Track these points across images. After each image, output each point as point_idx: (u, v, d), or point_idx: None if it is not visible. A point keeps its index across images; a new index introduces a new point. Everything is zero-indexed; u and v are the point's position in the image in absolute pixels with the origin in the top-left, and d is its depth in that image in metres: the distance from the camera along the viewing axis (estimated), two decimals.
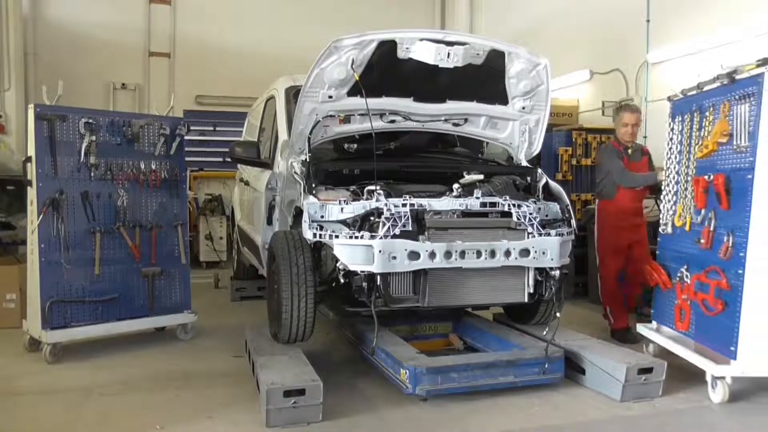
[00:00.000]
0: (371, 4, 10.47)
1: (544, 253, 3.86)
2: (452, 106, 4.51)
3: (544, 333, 4.09)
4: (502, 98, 4.50)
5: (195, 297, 5.14)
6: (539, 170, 4.54)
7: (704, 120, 4.00)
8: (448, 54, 4.00)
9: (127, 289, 4.71)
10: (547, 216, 4.12)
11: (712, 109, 3.94)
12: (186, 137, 5.11)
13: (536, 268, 3.94)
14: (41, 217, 4.33)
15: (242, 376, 3.98)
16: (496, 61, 4.19)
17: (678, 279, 4.15)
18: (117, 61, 9.62)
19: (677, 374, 3.91)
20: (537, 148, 4.74)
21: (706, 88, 4.04)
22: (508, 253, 3.78)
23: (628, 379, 3.62)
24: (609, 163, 5.08)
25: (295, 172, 4.10)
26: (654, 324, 4.47)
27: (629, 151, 5.16)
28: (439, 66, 4.03)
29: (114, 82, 9.63)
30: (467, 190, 4.07)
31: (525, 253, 3.82)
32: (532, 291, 3.98)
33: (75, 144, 4.52)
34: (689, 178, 4.13)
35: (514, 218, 3.92)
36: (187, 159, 5.24)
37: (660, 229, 4.47)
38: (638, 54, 7.00)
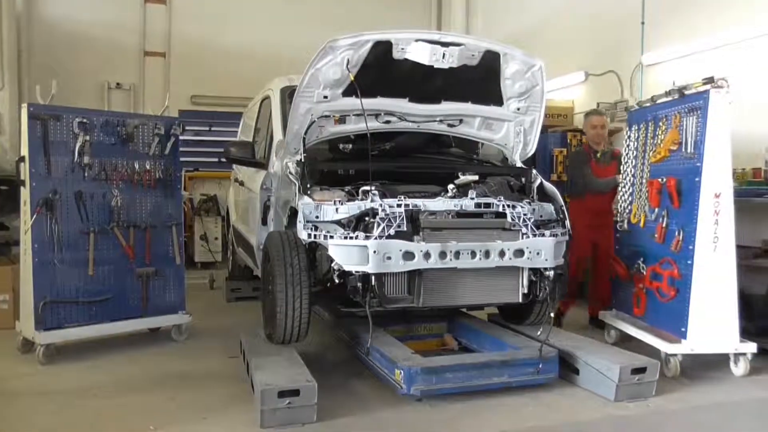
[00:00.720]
0: (367, 4, 10.45)
1: (538, 253, 3.87)
2: (447, 107, 4.52)
3: (539, 333, 4.10)
4: (497, 99, 4.51)
5: (190, 298, 5.14)
6: (534, 171, 4.56)
7: (658, 129, 4.49)
8: (444, 55, 4.01)
9: (122, 290, 4.69)
10: (541, 217, 4.14)
11: (665, 119, 4.45)
12: (181, 137, 5.09)
13: (530, 269, 3.95)
14: (35, 217, 4.31)
15: (237, 376, 3.97)
16: (491, 62, 4.20)
17: (635, 270, 4.57)
18: (112, 60, 9.54)
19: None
20: (532, 149, 4.76)
21: (659, 101, 4.56)
22: (502, 254, 3.79)
23: (622, 379, 3.64)
24: (577, 168, 5.47)
25: (290, 173, 4.10)
26: (614, 311, 4.91)
27: (598, 155, 5.49)
28: (435, 67, 4.03)
29: (109, 81, 9.54)
30: (462, 191, 4.08)
31: (519, 253, 3.83)
32: (526, 291, 3.98)
33: (69, 144, 4.50)
34: (644, 181, 4.60)
35: (509, 219, 3.93)
36: (182, 159, 5.23)
37: (617, 226, 4.88)
38: (633, 56, 7.02)
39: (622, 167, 4.92)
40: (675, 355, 4.11)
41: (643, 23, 6.89)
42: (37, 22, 9.25)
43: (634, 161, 4.80)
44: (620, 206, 4.88)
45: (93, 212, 4.59)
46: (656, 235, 4.36)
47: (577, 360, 3.94)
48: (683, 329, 4.08)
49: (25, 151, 4.37)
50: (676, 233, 4.21)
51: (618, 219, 4.88)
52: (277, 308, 3.75)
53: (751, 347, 4.06)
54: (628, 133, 4.91)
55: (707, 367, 4.23)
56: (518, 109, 4.54)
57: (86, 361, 4.37)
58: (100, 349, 4.63)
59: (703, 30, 6.20)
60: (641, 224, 4.58)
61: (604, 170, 5.36)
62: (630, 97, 7.03)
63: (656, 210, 4.42)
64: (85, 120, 4.56)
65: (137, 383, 3.96)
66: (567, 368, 3.94)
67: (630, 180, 4.83)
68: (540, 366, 3.75)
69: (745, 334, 4.53)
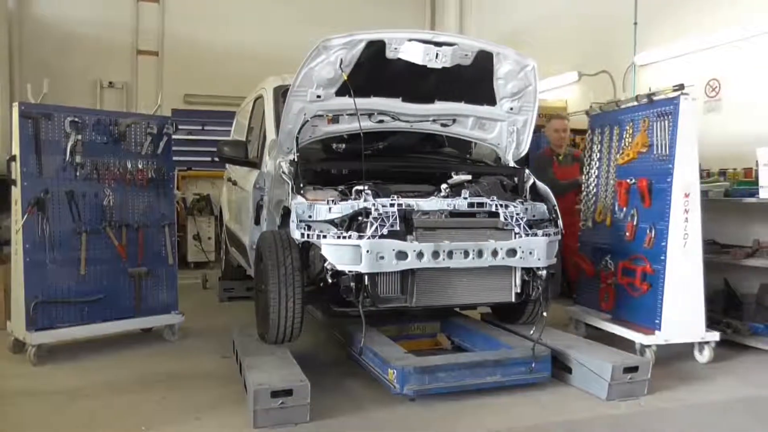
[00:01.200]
0: (361, 4, 10.45)
1: (531, 253, 3.88)
2: (441, 107, 4.52)
3: (531, 332, 4.11)
4: (490, 99, 4.52)
5: (182, 298, 5.13)
6: (527, 171, 4.57)
7: (624, 132, 4.76)
8: (437, 54, 4.01)
9: (114, 290, 4.67)
10: (534, 216, 4.15)
11: (631, 123, 4.72)
12: (174, 136, 5.08)
13: (523, 268, 3.96)
14: (26, 216, 4.29)
15: (230, 376, 3.96)
16: (484, 62, 4.21)
17: (602, 267, 4.79)
18: (104, 59, 9.51)
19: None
20: (525, 149, 4.78)
21: (623, 106, 4.89)
22: (495, 253, 3.80)
23: (614, 378, 3.67)
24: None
25: (283, 172, 4.10)
26: (578, 307, 5.08)
27: (560, 157, 5.79)
28: (428, 66, 4.03)
29: (101, 80, 9.51)
30: (455, 191, 4.09)
31: (512, 253, 3.84)
32: (519, 291, 4.00)
33: (60, 143, 4.48)
34: (610, 181, 4.86)
35: (502, 218, 3.94)
36: (175, 158, 5.21)
37: (581, 224, 5.13)
38: (626, 56, 7.07)
39: (584, 168, 5.11)
40: (650, 346, 4.27)
41: (635, 24, 6.94)
42: (28, 21, 9.20)
43: (598, 163, 5.02)
44: (584, 206, 5.08)
45: (85, 212, 4.57)
46: (627, 233, 4.56)
47: (569, 359, 3.95)
48: (657, 321, 4.28)
49: (16, 151, 4.34)
50: (648, 231, 4.42)
51: (583, 218, 5.09)
52: (270, 308, 3.74)
53: (715, 336, 4.33)
54: (590, 135, 5.11)
55: (677, 357, 4.41)
56: (511, 108, 4.55)
57: (78, 362, 4.35)
58: (92, 349, 4.61)
59: (695, 31, 6.26)
60: (608, 223, 4.78)
61: (566, 172, 5.58)
62: (623, 97, 7.07)
63: (624, 209, 4.65)
64: (77, 119, 4.53)
65: (130, 384, 3.94)
66: (560, 367, 3.96)
67: (594, 181, 5.04)
68: (533, 365, 3.76)
69: (738, 334, 4.63)
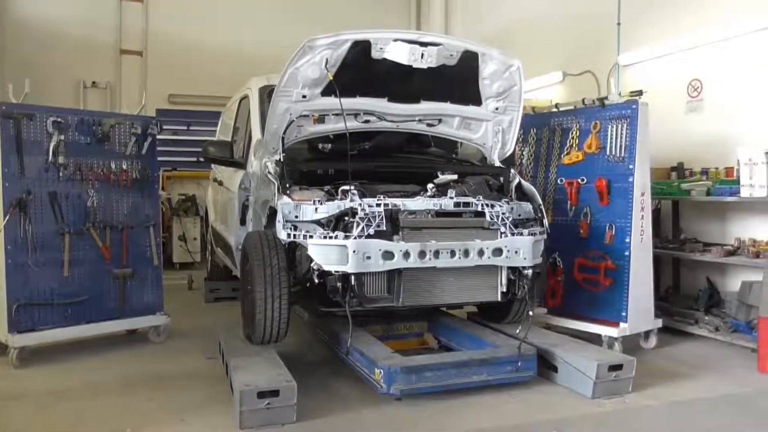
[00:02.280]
0: (346, 3, 10.45)
1: (516, 252, 3.88)
2: (426, 107, 4.52)
3: (517, 331, 4.12)
4: (475, 99, 4.53)
5: (168, 298, 5.10)
6: (512, 170, 4.59)
7: (570, 134, 4.92)
8: (422, 54, 4.02)
9: (98, 291, 4.65)
10: (519, 216, 4.17)
11: (576, 125, 4.90)
12: (159, 136, 5.05)
13: (509, 268, 3.97)
14: (7, 218, 4.25)
15: (216, 377, 3.95)
16: (469, 62, 4.22)
17: (549, 264, 4.77)
18: (87, 58, 9.41)
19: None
20: (510, 149, 4.80)
21: (562, 108, 5.14)
22: (481, 253, 3.80)
23: (599, 376, 3.69)
24: None
25: (269, 172, 4.08)
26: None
27: None
28: (413, 66, 4.03)
29: (84, 80, 9.41)
30: (441, 190, 4.09)
31: (498, 252, 3.85)
32: (505, 290, 4.01)
33: (43, 143, 4.45)
34: (551, 181, 5.03)
35: (488, 218, 3.95)
36: (160, 159, 5.18)
37: None
38: (610, 56, 7.10)
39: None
40: (618, 338, 4.43)
41: (619, 24, 6.97)
42: (9, 20, 9.08)
43: (533, 163, 5.19)
44: None
45: (68, 213, 4.54)
46: (580, 231, 4.72)
47: (555, 358, 3.97)
48: (623, 314, 4.45)
49: None
50: (607, 228, 4.57)
51: None
52: (256, 309, 3.72)
53: (658, 323, 4.67)
54: (523, 136, 5.20)
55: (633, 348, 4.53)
56: (497, 108, 4.57)
57: (62, 364, 4.32)
58: (76, 351, 4.57)
59: (677, 32, 6.31)
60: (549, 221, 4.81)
61: None
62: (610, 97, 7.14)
63: (574, 208, 4.81)
64: (59, 119, 4.50)
65: (114, 385, 3.91)
66: (545, 366, 3.98)
67: (528, 180, 5.00)
68: (519, 364, 3.77)
69: (720, 332, 4.68)
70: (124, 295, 4.73)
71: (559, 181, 4.94)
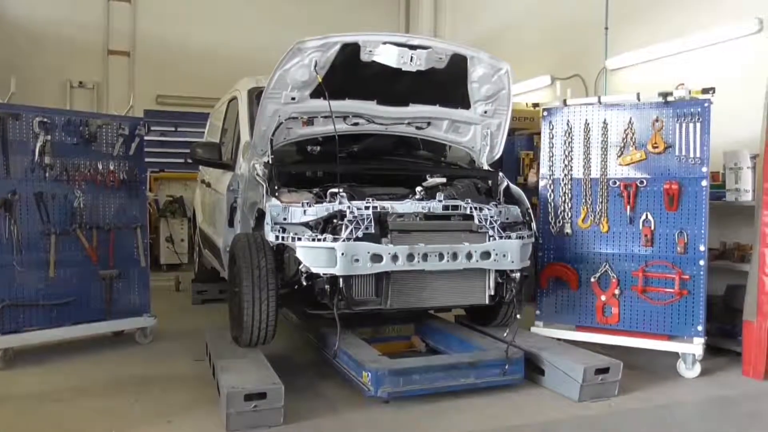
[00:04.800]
0: (335, 4, 10.47)
1: (504, 255, 3.88)
2: (415, 110, 4.53)
3: (505, 334, 4.13)
4: (464, 102, 4.53)
5: (155, 300, 5.07)
6: (500, 174, 4.59)
7: (628, 129, 4.48)
8: (411, 57, 4.03)
9: (84, 293, 4.61)
10: (507, 219, 4.18)
11: (629, 121, 4.48)
12: (146, 138, 5.04)
13: (497, 271, 3.97)
14: None
15: (203, 380, 3.94)
16: (458, 66, 4.23)
17: (596, 278, 4.51)
18: (74, 58, 9.42)
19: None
20: (498, 152, 4.80)
21: (606, 102, 4.64)
22: (469, 256, 3.80)
23: (586, 380, 3.69)
24: None
25: (258, 174, 4.08)
26: (542, 323, 4.68)
27: None
28: (402, 69, 4.05)
29: (71, 80, 9.42)
30: (430, 193, 4.10)
31: (486, 255, 3.84)
32: (492, 293, 4.00)
33: (29, 143, 4.42)
34: (597, 182, 4.56)
35: (476, 221, 3.95)
36: (147, 160, 5.17)
37: (553, 232, 4.68)
38: (597, 60, 7.19)
39: (545, 167, 4.75)
40: (693, 354, 4.19)
41: (606, 29, 7.04)
42: None
43: (566, 160, 4.68)
44: (550, 209, 4.71)
45: (54, 213, 4.51)
46: (643, 239, 4.37)
47: (542, 361, 3.97)
48: (698, 328, 4.21)
49: None
50: (677, 236, 4.28)
51: (554, 224, 4.70)
52: (244, 311, 3.72)
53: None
54: (548, 131, 4.75)
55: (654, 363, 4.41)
56: (485, 112, 4.58)
57: (47, 365, 4.29)
58: (61, 353, 4.54)
59: (663, 37, 6.39)
60: (603, 229, 4.51)
61: None
62: None
63: (629, 213, 4.43)
64: (45, 119, 4.47)
65: (100, 387, 3.90)
66: (533, 369, 3.98)
67: (566, 181, 4.68)
68: (506, 367, 3.78)
69: (707, 334, 4.62)
70: (111, 296, 4.69)
71: (612, 183, 4.52)
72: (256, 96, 4.78)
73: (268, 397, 3.26)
